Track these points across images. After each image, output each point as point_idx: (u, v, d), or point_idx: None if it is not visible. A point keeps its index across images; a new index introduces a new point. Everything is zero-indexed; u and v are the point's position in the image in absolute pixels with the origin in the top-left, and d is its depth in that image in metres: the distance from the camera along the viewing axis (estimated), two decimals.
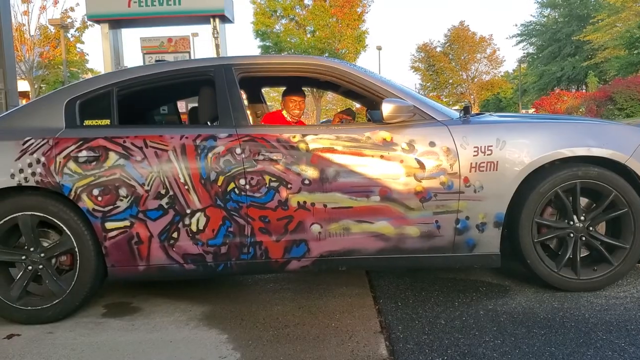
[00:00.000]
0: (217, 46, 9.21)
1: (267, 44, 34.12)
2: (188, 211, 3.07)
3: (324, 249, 3.09)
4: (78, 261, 3.06)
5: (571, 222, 3.11)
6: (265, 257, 3.12)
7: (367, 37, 35.10)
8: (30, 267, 3.08)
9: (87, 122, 3.23)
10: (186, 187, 3.05)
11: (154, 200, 3.05)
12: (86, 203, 3.04)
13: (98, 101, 3.26)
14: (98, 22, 10.72)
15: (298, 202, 3.05)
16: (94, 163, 3.06)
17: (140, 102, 4.03)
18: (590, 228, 3.12)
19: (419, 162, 3.04)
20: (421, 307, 3.03)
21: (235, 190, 3.05)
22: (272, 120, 4.07)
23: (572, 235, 3.11)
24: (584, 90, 34.23)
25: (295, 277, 3.74)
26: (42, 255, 3.09)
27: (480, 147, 3.04)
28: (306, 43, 33.30)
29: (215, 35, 9.12)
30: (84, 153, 3.06)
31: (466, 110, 3.30)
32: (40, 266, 3.08)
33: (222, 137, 3.09)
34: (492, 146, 3.04)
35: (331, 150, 3.06)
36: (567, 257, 3.09)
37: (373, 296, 3.28)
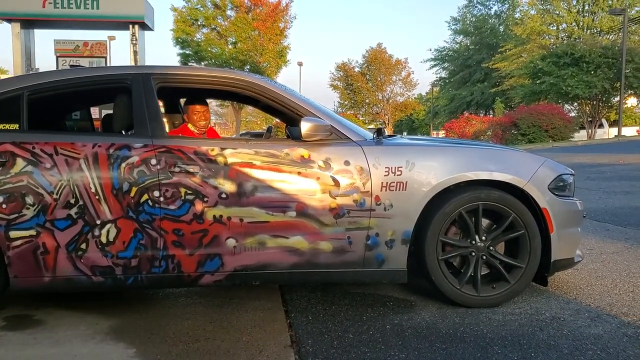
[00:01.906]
0: (135, 53, 9.00)
1: (187, 52, 33.67)
2: (98, 222, 3.00)
3: (238, 263, 3.11)
4: None
5: (473, 242, 3.31)
6: (178, 271, 3.09)
7: (288, 52, 35.46)
8: None
9: None
10: (97, 197, 2.98)
11: (62, 210, 2.97)
12: None
13: (7, 104, 3.14)
14: (9, 20, 10.17)
15: (214, 216, 3.05)
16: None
17: (52, 108, 3.90)
18: (491, 248, 3.32)
19: (334, 179, 3.13)
20: (331, 321, 3.11)
21: (149, 202, 3.01)
22: None
23: (473, 254, 3.30)
24: (491, 115, 36.08)
25: (207, 291, 3.72)
26: None
27: (391, 167, 3.18)
28: (227, 54, 33.13)
29: (134, 42, 8.91)
30: None
31: (379, 132, 3.43)
32: None
33: (137, 147, 3.05)
34: (402, 167, 3.18)
35: (250, 165, 3.09)
36: (468, 274, 3.27)
37: (285, 310, 3.32)
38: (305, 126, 3.09)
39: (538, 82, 30.31)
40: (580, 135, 29.81)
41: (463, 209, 3.24)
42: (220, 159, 3.08)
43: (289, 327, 3.05)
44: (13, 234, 2.94)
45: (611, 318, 3.08)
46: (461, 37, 47.45)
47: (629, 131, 34.46)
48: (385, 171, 3.17)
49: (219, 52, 33.23)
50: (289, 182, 3.11)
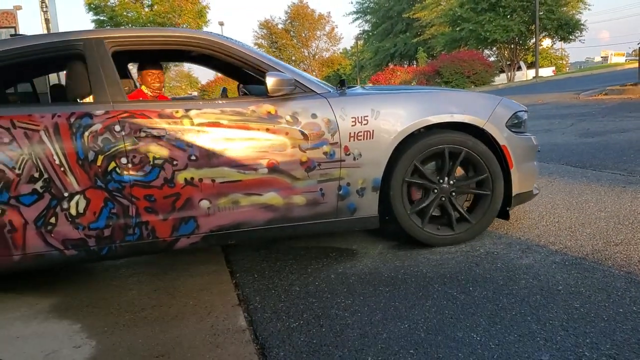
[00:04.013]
0: (47, 21, 8.48)
1: (102, 18, 32.11)
2: (66, 194, 2.89)
3: (213, 224, 3.08)
4: None
5: (441, 182, 3.41)
6: (153, 237, 3.03)
7: (208, 12, 34.51)
8: None
9: None
10: (62, 168, 2.87)
11: (27, 185, 2.83)
12: None
13: None
14: None
15: (185, 179, 3.00)
16: None
17: None
18: (453, 194, 3.43)
19: (302, 133, 3.12)
20: (277, 277, 3.15)
21: (117, 169, 2.92)
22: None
23: (436, 190, 3.40)
24: (415, 65, 36.62)
25: (150, 260, 3.69)
26: None
27: (358, 117, 3.20)
28: (144, 17, 31.87)
29: (45, 10, 8.38)
30: None
31: (342, 83, 3.45)
32: None
33: (99, 114, 2.93)
34: (367, 116, 3.21)
35: (217, 124, 3.03)
36: (422, 208, 3.39)
37: (230, 271, 3.34)
38: (270, 81, 3.04)
39: (458, 29, 30.90)
40: (501, 79, 30.84)
41: (428, 152, 3.33)
42: (186, 121, 3.01)
43: (235, 287, 3.07)
44: None
45: (540, 248, 3.26)
46: None
47: (545, 72, 35.90)
48: (352, 121, 3.19)
49: (136, 16, 31.93)
50: (258, 139, 3.07)
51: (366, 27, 50.15)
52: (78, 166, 2.89)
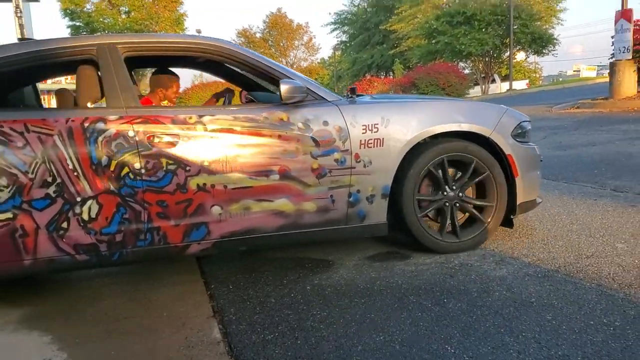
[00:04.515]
0: (21, 26, 8.35)
1: (78, 24, 31.82)
2: (78, 199, 2.86)
3: (224, 230, 3.08)
4: None
5: (444, 193, 3.49)
6: (164, 243, 3.02)
7: (185, 20, 34.40)
8: None
9: None
10: (75, 173, 2.84)
11: (39, 189, 2.80)
12: None
13: None
14: None
15: (197, 185, 2.99)
16: None
17: (3, 84, 3.60)
18: (457, 204, 3.51)
19: (314, 140, 3.14)
20: (252, 288, 3.14)
21: (130, 174, 2.90)
22: None
23: (447, 204, 3.48)
24: (391, 77, 36.90)
25: (124, 270, 3.64)
26: None
27: (368, 125, 3.23)
28: (121, 24, 31.66)
29: (19, 15, 8.26)
30: None
31: (352, 91, 3.49)
32: None
33: (112, 119, 2.92)
34: (378, 124, 3.25)
35: (230, 130, 3.04)
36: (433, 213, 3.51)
37: (204, 282, 3.31)
38: (284, 88, 3.07)
39: (434, 42, 31.26)
40: (475, 91, 31.26)
41: (454, 156, 3.42)
42: (199, 127, 3.01)
43: (210, 298, 3.05)
44: None
45: (513, 260, 3.31)
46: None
47: (519, 84, 36.48)
48: (363, 129, 3.22)
49: (112, 23, 31.70)
50: (270, 146, 3.09)
51: (344, 37, 50.50)
52: (91, 171, 2.87)
